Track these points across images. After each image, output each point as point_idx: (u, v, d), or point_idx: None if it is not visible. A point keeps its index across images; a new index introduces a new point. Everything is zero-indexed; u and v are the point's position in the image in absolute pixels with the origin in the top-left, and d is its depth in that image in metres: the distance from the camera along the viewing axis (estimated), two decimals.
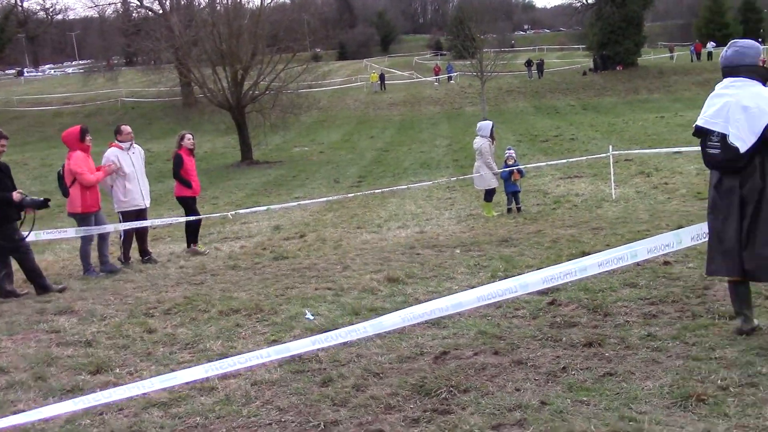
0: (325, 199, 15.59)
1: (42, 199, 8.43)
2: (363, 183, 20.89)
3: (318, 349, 4.95)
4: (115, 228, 10.13)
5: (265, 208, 13.64)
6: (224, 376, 4.87)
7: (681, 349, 4.75)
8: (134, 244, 10.46)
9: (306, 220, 14.43)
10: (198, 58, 32.39)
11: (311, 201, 15.38)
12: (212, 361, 5.20)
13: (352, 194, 16.13)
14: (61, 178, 9.46)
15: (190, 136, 11.16)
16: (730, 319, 5.16)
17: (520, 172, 13.45)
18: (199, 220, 11.30)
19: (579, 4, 63.06)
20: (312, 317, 6.37)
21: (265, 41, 32.20)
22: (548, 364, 4.76)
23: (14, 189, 8.18)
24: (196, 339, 5.98)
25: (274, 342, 5.71)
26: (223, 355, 5.39)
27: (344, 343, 5.15)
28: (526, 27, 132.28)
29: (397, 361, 5.11)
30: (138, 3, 49.68)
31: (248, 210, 13.82)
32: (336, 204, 15.68)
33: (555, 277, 4.75)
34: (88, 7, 52.15)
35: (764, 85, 4.70)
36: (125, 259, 10.26)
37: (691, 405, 3.89)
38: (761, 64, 4.88)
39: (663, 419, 3.77)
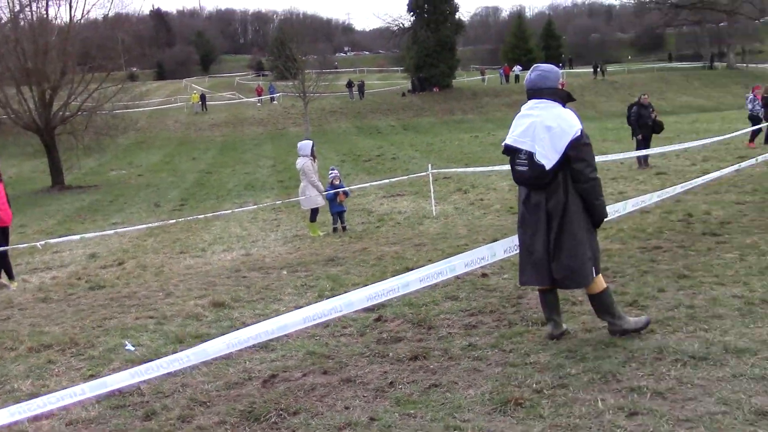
0: (145, 225, 14.97)
1: None
2: (185, 206, 20.29)
3: (140, 382, 4.72)
4: None
5: (78, 237, 12.88)
6: (36, 418, 4.52)
7: (499, 357, 4.99)
8: None
9: (125, 246, 13.78)
10: (0, 77, 30.19)
11: (130, 228, 14.72)
12: (21, 402, 4.83)
13: (174, 220, 15.60)
14: None
15: None
16: (542, 325, 5.49)
17: (345, 193, 13.65)
18: (5, 252, 10.43)
19: (396, 28, 65.18)
20: (133, 348, 6.07)
21: (75, 59, 30.59)
22: (376, 380, 4.83)
23: None
24: (2, 380, 5.51)
25: (92, 377, 5.38)
26: (33, 395, 5.01)
27: (168, 374, 4.95)
28: (346, 49, 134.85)
29: (225, 387, 4.99)
30: None
31: (60, 239, 12.97)
32: (157, 229, 15.11)
33: (379, 295, 4.84)
34: None
35: (564, 106, 5.07)
36: None
37: (510, 409, 4.09)
38: (561, 86, 5.27)
39: (485, 425, 3.93)
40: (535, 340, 5.26)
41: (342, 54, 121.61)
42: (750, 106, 20.26)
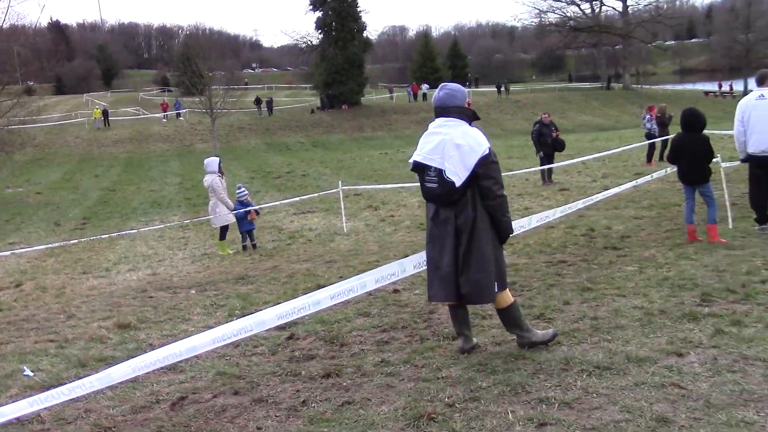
0: (44, 246, 14.36)
1: None
2: (88, 225, 19.60)
3: (40, 409, 4.51)
4: None
5: None
6: None
7: (412, 372, 5.02)
8: None
9: (23, 267, 13.19)
10: None
11: (28, 249, 14.09)
12: None
13: (76, 239, 15.05)
14: None
15: None
16: (453, 339, 5.56)
17: (256, 212, 13.54)
18: None
19: (304, 45, 65.18)
20: (32, 374, 5.80)
21: None
22: (289, 399, 4.77)
23: None
24: None
25: None
26: None
27: (71, 399, 4.76)
28: (254, 65, 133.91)
29: (131, 412, 4.83)
30: None
31: None
32: (58, 249, 14.52)
33: (290, 313, 4.80)
34: None
35: (470, 124, 5.18)
36: None
37: (423, 424, 4.11)
38: (468, 105, 5.38)
39: None
40: (447, 354, 5.32)
41: (250, 70, 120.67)
42: (648, 126, 21.22)
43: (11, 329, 7.62)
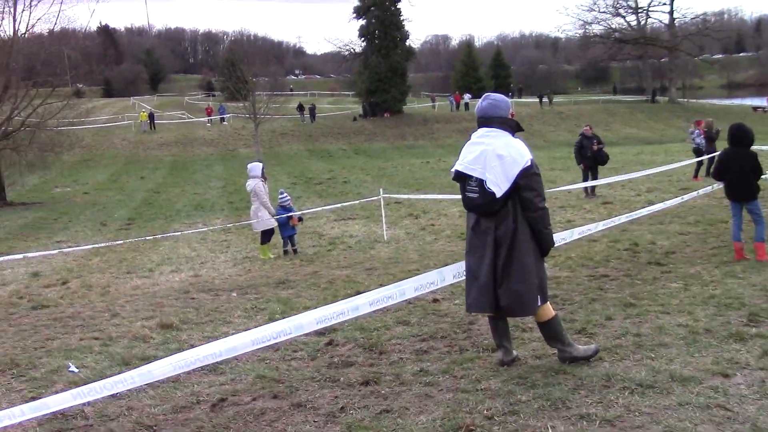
0: (91, 246, 14.65)
1: None
2: (133, 225, 19.94)
3: (84, 404, 4.60)
4: None
5: (21, 256, 12.53)
6: None
7: (451, 383, 5.01)
8: None
9: (69, 265, 13.46)
10: None
11: (75, 248, 14.38)
12: None
13: (121, 240, 15.32)
14: None
15: None
16: (492, 351, 5.53)
17: (299, 218, 13.67)
18: None
19: (347, 53, 65.52)
20: (77, 370, 5.92)
21: (19, 74, 29.95)
22: (327, 405, 4.79)
23: None
24: None
25: (33, 399, 5.22)
26: None
27: (113, 396, 4.84)
28: (297, 72, 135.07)
29: (172, 411, 4.89)
30: None
31: (3, 258, 12.61)
32: (103, 248, 14.81)
33: (328, 318, 4.82)
34: None
35: (513, 135, 5.16)
36: None
37: None
38: (511, 116, 5.36)
39: None
40: (486, 366, 5.29)
41: (293, 77, 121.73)
42: (696, 141, 20.88)
43: (57, 326, 7.78)
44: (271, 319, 7.20)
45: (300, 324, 4.68)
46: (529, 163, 4.94)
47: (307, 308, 7.47)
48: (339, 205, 18.02)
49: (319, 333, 6.12)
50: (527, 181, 4.93)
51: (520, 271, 4.94)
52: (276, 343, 4.91)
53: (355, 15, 61.63)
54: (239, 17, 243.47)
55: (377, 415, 4.53)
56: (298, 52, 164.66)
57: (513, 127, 5.18)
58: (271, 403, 4.93)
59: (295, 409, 4.78)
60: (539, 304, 5.04)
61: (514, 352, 5.34)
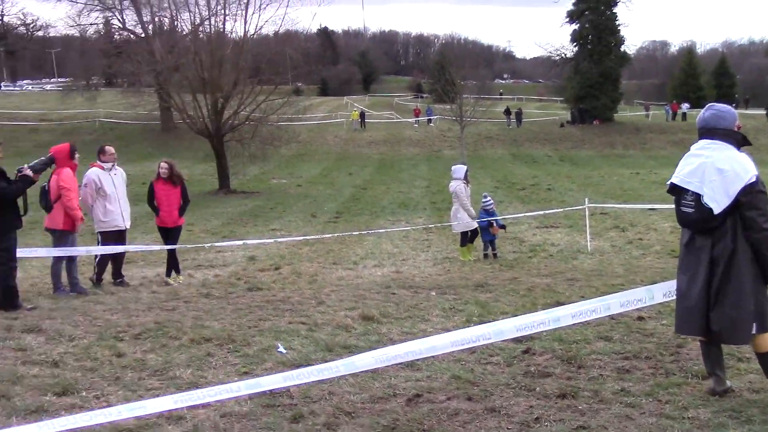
0: (302, 237, 15.53)
1: (47, 157, 8.75)
2: (340, 219, 20.88)
3: (291, 385, 4.88)
4: (87, 252, 10.02)
5: (240, 242, 13.54)
6: (193, 407, 4.78)
7: (654, 407, 4.76)
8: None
9: (282, 252, 14.35)
10: (179, 84, 32.42)
11: (289, 239, 15.30)
12: (181, 389, 5.14)
13: (329, 233, 16.09)
14: (45, 193, 9.28)
15: (164, 164, 10.81)
16: (702, 379, 5.18)
17: (502, 227, 13.67)
18: (173, 252, 11.03)
19: (558, 58, 64.13)
20: (284, 351, 6.30)
21: (247, 72, 32.32)
22: (521, 413, 4.74)
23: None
24: (165, 366, 5.88)
25: (245, 374, 5.63)
26: (192, 384, 5.32)
27: (317, 380, 5.10)
28: (505, 76, 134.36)
29: (370, 401, 5.07)
30: (120, 25, 49.63)
31: (225, 243, 13.72)
32: (313, 239, 15.64)
33: (529, 326, 4.76)
34: (70, 26, 51.72)
35: (738, 149, 4.79)
36: (98, 279, 10.11)
37: None
38: (737, 128, 4.98)
39: None
40: (695, 393, 4.97)
41: (501, 81, 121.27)
42: None
43: (269, 308, 8.32)
44: (469, 321, 7.25)
45: (500, 330, 4.66)
46: (753, 179, 4.58)
47: (504, 314, 7.43)
48: (542, 212, 17.73)
49: (516, 340, 6.05)
50: (750, 199, 4.57)
51: (736, 296, 4.59)
52: (473, 346, 4.92)
53: (567, 19, 60.22)
54: (451, 21, 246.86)
55: (573, 430, 4.41)
56: (508, 56, 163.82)
57: (738, 140, 4.82)
58: (465, 404, 4.96)
59: (488, 413, 4.77)
60: (755, 332, 4.64)
61: (728, 383, 4.96)
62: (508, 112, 59.57)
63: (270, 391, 5.01)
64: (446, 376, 5.56)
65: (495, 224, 13.42)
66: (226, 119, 31.25)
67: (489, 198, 13.90)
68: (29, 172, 8.19)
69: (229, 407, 4.90)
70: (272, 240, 14.68)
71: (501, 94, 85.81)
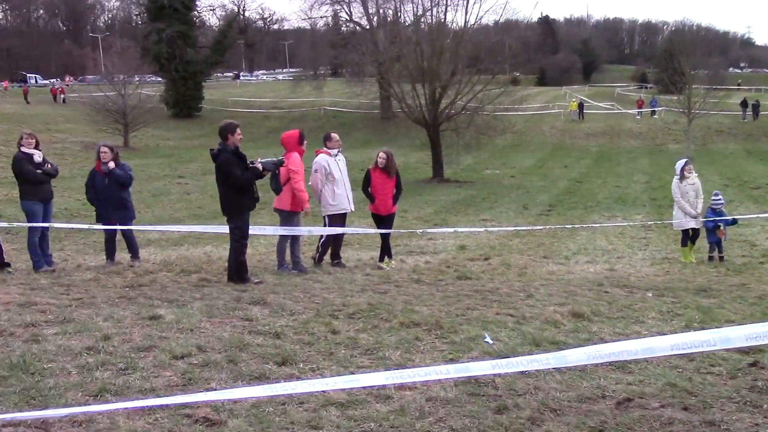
0: (513, 228, 15.42)
1: (277, 159, 9.28)
2: (553, 212, 20.48)
3: (495, 375, 4.88)
4: (309, 232, 10.63)
5: (452, 229, 13.70)
6: (400, 387, 4.93)
7: None
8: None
9: (492, 243, 14.35)
10: (399, 74, 33.39)
11: (500, 229, 15.27)
12: (390, 369, 5.31)
13: (541, 226, 15.83)
14: (275, 176, 9.85)
15: (383, 154, 10.90)
16: None
17: (733, 222, 12.71)
18: (386, 237, 11.30)
19: None
20: (491, 341, 6.29)
21: (465, 61, 32.56)
22: (744, 430, 4.38)
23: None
24: (376, 346, 6.09)
25: (452, 360, 5.70)
26: (400, 366, 5.47)
27: (522, 373, 5.05)
28: (742, 65, 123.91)
29: (576, 400, 4.92)
30: (347, 18, 52.08)
31: (436, 230, 13.96)
32: (524, 231, 15.48)
33: (761, 336, 4.37)
34: (302, 19, 55.43)
35: None
36: (319, 260, 10.70)
37: None
38: None
39: None
40: None
41: (737, 70, 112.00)
42: None
43: (477, 297, 8.36)
44: (688, 327, 6.81)
45: (727, 337, 4.32)
46: None
47: (729, 322, 6.91)
48: None
49: (743, 351, 5.59)
50: None
51: None
52: (692, 353, 4.62)
53: None
54: (682, 6, 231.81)
55: None
56: (746, 43, 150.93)
57: None
58: (680, 414, 4.67)
59: (706, 426, 4.46)
60: None
61: None
62: (745, 104, 54.86)
63: (475, 379, 5.04)
64: (660, 382, 5.26)
65: (722, 226, 12.43)
66: (443, 108, 31.72)
67: (720, 196, 12.89)
68: (260, 167, 8.82)
69: (435, 392, 4.98)
70: (483, 229, 14.71)
71: (739, 84, 79.27)
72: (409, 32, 35.38)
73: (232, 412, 4.54)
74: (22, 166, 9.70)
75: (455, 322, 6.94)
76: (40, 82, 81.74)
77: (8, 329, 6.25)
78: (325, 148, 10.65)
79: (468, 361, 5.23)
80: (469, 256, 12.58)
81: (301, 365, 5.55)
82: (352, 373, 5.20)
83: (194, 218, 19.38)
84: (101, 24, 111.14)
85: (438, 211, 20.25)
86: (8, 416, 3.80)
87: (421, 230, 12.78)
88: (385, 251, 11.36)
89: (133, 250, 10.71)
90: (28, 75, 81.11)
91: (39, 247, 9.97)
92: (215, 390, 4.86)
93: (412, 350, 6.02)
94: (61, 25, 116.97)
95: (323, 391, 4.62)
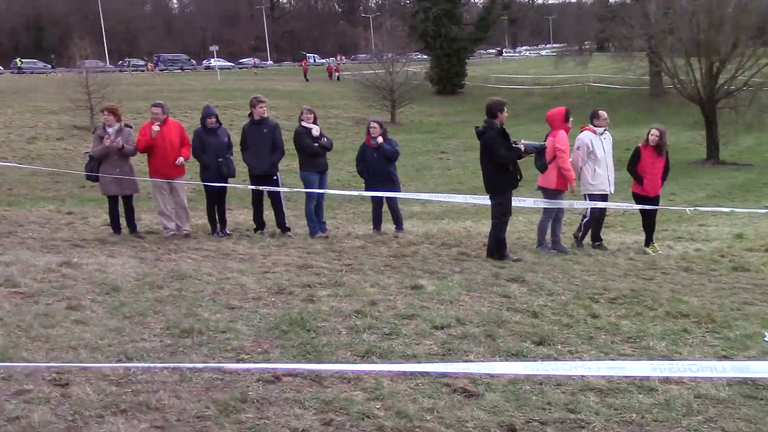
0: None
1: (540, 143, 9.20)
2: None
3: None
4: (569, 205, 10.39)
5: (728, 210, 12.55)
6: (665, 380, 4.67)
7: None
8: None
9: None
10: (672, 48, 31.39)
11: None
12: (654, 360, 5.04)
13: None
14: (540, 153, 9.66)
15: (655, 130, 10.22)
16: None
17: None
18: (652, 220, 10.69)
19: None
20: None
21: (749, 33, 29.75)
22: None
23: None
24: (639, 334, 5.81)
25: (725, 357, 5.29)
26: (666, 357, 5.18)
27: None
28: None
29: None
30: None
31: (709, 208, 12.86)
32: None
33: None
34: None
35: None
36: (580, 240, 10.48)
37: None
38: None
39: None
40: None
41: None
42: None
43: (756, 291, 7.65)
44: None
45: None
46: None
47: None
48: None
49: None
50: None
51: None
52: None
53: None
54: None
55: None
56: None
57: None
58: None
59: None
60: None
61: None
62: None
63: (753, 380, 4.63)
64: None
65: None
66: (721, 84, 29.41)
67: None
68: (522, 147, 8.77)
69: (705, 389, 4.65)
70: (766, 210, 13.28)
71: None
72: (684, 2, 33.00)
73: (489, 386, 4.60)
74: (302, 139, 10.52)
75: (730, 317, 6.42)
76: (318, 61, 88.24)
77: (288, 288, 6.87)
78: (591, 126, 10.30)
79: (746, 360, 4.80)
80: (747, 245, 11.47)
81: (559, 347, 5.46)
82: (614, 360, 5.01)
83: (454, 193, 19.81)
84: (373, 5, 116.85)
85: (711, 196, 18.77)
86: (289, 366, 4.18)
87: (691, 208, 11.75)
88: (650, 234, 10.72)
89: (397, 221, 11.19)
90: (307, 54, 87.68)
91: (315, 215, 10.79)
92: (473, 362, 4.95)
93: (680, 342, 5.67)
94: (336, 6, 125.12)
95: (582, 376, 4.52)
